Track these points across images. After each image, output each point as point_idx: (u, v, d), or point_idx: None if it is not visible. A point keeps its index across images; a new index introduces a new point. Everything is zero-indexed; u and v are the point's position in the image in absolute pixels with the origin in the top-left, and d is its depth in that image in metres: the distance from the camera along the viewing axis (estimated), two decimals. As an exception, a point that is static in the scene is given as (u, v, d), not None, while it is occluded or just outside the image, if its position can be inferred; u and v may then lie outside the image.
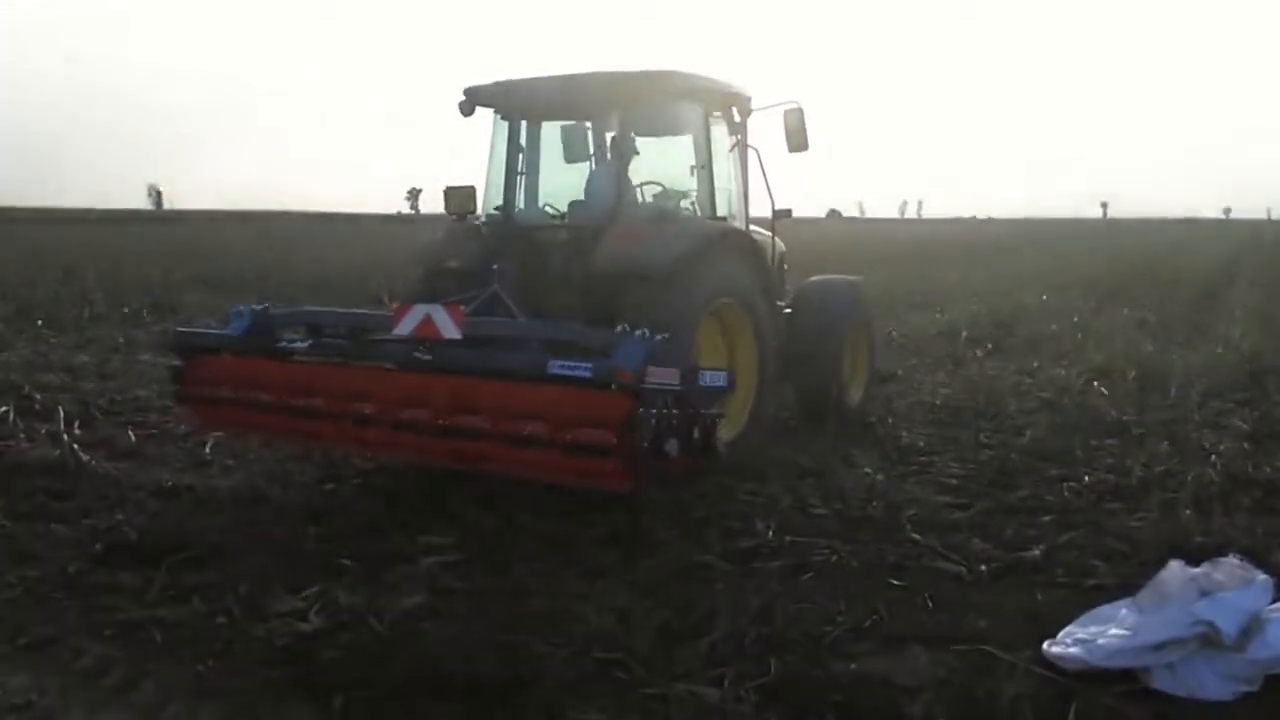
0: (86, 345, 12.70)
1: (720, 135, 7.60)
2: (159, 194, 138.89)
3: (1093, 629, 4.05)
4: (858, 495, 6.16)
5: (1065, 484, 6.42)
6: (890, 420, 8.46)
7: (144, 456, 7.20)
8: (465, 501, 6.12)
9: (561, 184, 7.67)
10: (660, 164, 7.52)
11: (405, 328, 5.83)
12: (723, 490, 6.26)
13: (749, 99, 7.64)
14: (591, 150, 7.82)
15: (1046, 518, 5.73)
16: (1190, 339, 13.60)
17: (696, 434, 5.10)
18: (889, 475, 6.70)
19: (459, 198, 7.38)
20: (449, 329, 5.70)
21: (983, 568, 4.95)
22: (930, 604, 4.57)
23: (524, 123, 7.52)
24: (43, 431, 7.68)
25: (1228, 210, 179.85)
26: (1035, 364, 11.46)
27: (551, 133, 7.78)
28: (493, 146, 7.53)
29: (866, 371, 8.75)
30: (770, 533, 5.47)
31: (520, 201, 7.54)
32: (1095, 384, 9.54)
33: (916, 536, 5.39)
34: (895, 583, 4.82)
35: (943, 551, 5.19)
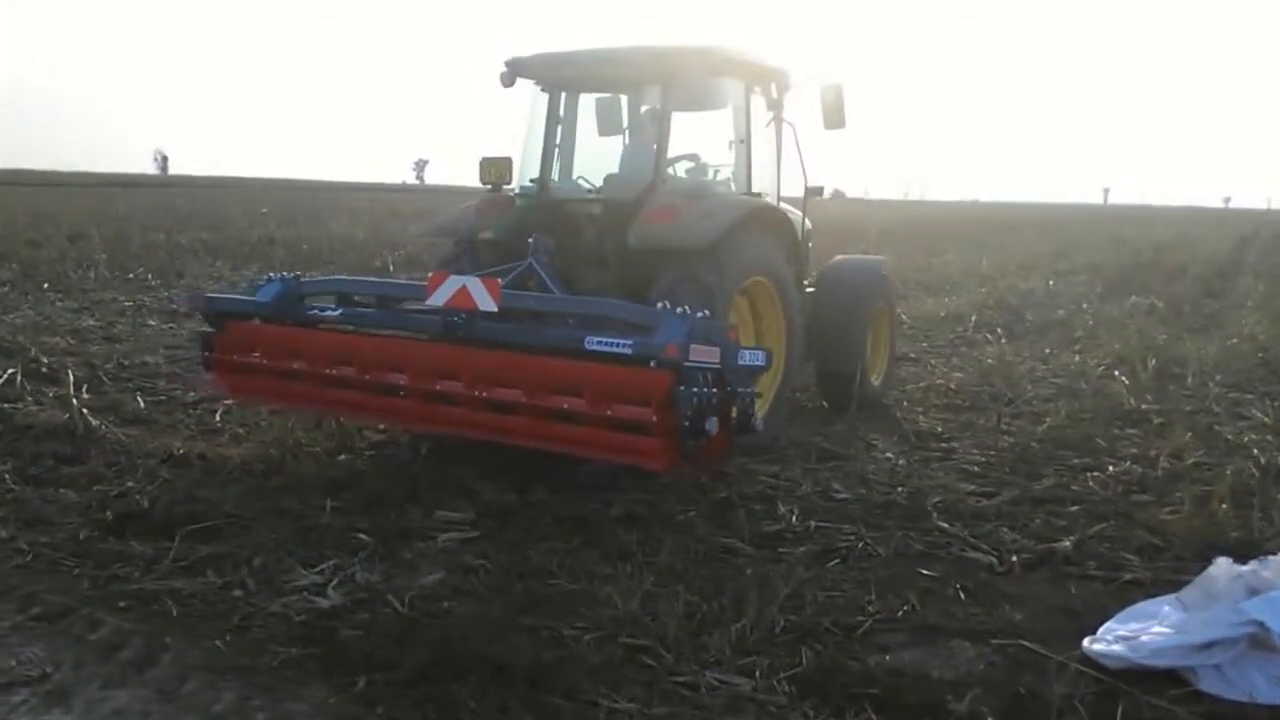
0: (92, 308, 12.56)
1: (758, 110, 7.51)
2: (164, 159, 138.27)
3: (1134, 626, 3.94)
4: (880, 481, 6.06)
5: (1090, 474, 6.32)
6: (905, 404, 8.36)
7: (153, 423, 7.09)
8: (479, 477, 6.02)
9: (598, 157, 7.60)
10: (698, 138, 7.44)
11: (440, 298, 5.73)
12: (744, 472, 6.15)
13: (788, 74, 7.58)
14: (629, 124, 7.74)
15: (1074, 508, 5.62)
16: (1202, 328, 13.47)
17: (734, 413, 5.06)
18: (909, 460, 6.60)
19: (495, 169, 7.25)
20: (485, 301, 5.62)
21: (1014, 558, 4.84)
22: (962, 595, 4.46)
23: (564, 95, 7.44)
24: (50, 395, 7.57)
25: (1228, 199, 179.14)
26: (1048, 350, 11.35)
27: (590, 106, 7.73)
28: (531, 118, 7.47)
29: (888, 353, 8.65)
30: (794, 517, 5.37)
31: (556, 174, 7.44)
32: (1116, 373, 9.39)
33: (944, 525, 5.28)
34: (925, 572, 4.71)
35: (972, 541, 5.09)
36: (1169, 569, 4.80)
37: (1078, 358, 10.68)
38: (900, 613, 4.26)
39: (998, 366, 9.97)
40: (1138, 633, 3.88)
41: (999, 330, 13.05)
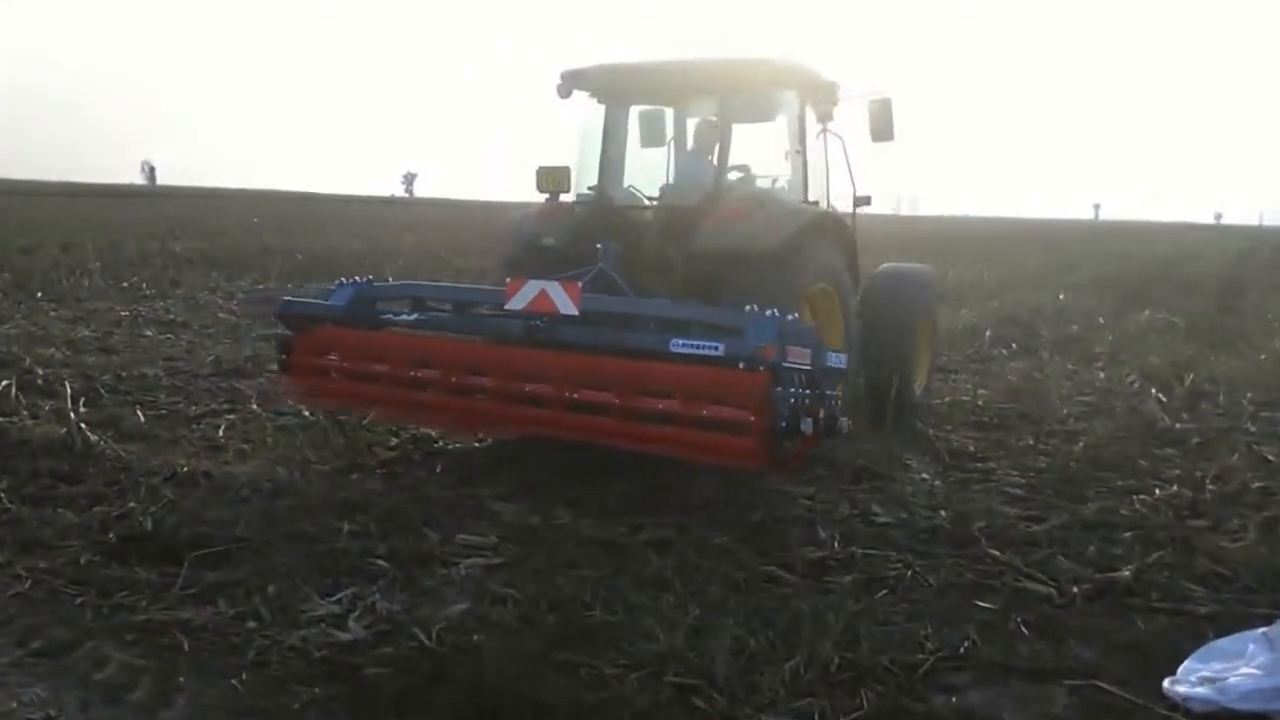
0: (87, 318, 12.23)
1: (811, 121, 7.62)
2: (152, 170, 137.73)
3: (1218, 666, 3.68)
4: (920, 504, 5.79)
5: (1136, 496, 6.05)
6: (934, 421, 8.09)
7: (154, 438, 6.78)
8: (497, 497, 5.78)
9: (654, 166, 7.77)
10: (752, 148, 7.50)
11: (520, 302, 5.82)
12: (777, 492, 5.88)
13: (838, 87, 7.67)
14: (678, 134, 7.84)
15: (1128, 534, 5.35)
16: (1224, 345, 13.24)
17: (822, 414, 5.14)
18: (946, 482, 6.34)
19: (553, 177, 7.37)
20: (566, 305, 5.71)
21: (1074, 590, 4.56)
22: (1025, 629, 4.19)
23: (620, 106, 7.57)
24: (46, 408, 7.26)
25: (1219, 215, 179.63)
26: (1071, 366, 11.12)
27: (646, 116, 7.87)
28: (586, 129, 7.57)
29: (930, 363, 8.54)
30: (836, 543, 5.09)
31: (614, 182, 7.55)
32: (1154, 391, 9.12)
33: (994, 552, 5.01)
34: (982, 605, 4.43)
35: (1026, 570, 4.81)
36: (1237, 600, 4.54)
37: (1103, 374, 10.45)
38: (962, 649, 3.99)
39: (1024, 384, 9.74)
40: (1223, 674, 3.62)
41: (1014, 345, 12.84)
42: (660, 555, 4.88)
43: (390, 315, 6.53)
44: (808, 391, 5.12)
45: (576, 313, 5.72)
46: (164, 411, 7.57)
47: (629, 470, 6.20)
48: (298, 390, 6.73)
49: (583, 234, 6.94)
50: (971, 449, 7.21)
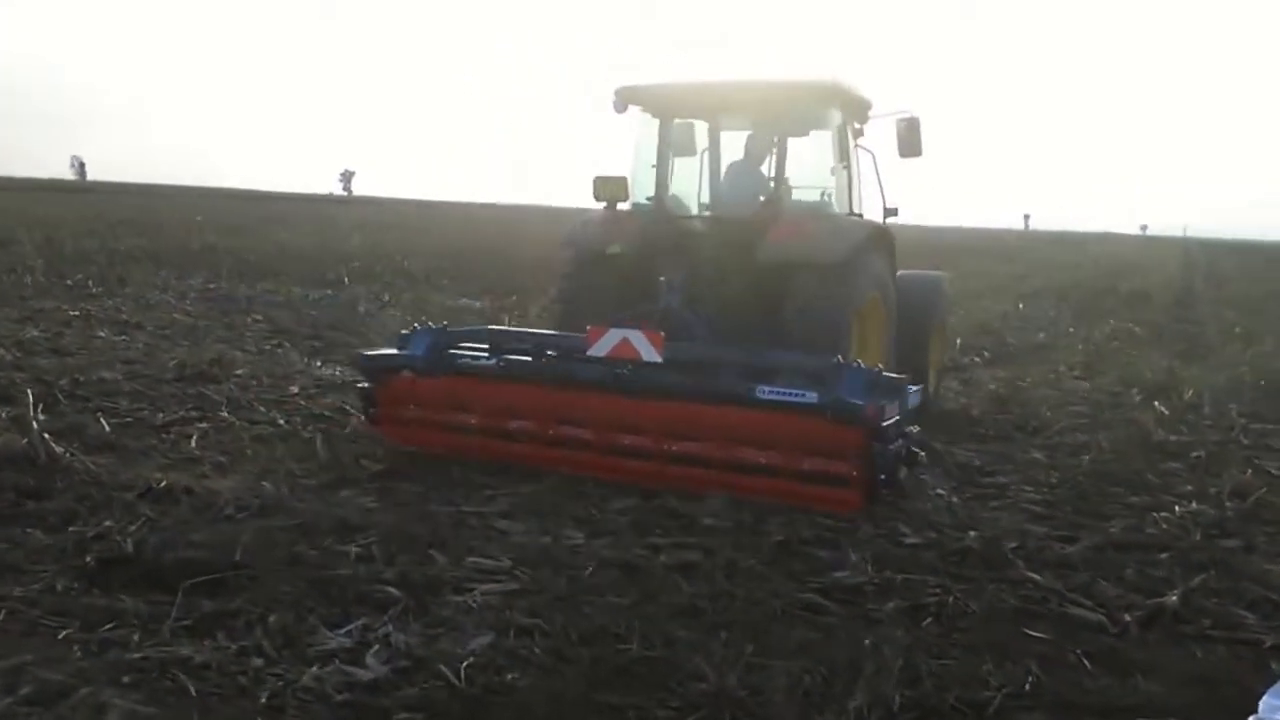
0: (35, 318, 11.64)
1: (852, 137, 7.99)
2: (82, 165, 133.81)
3: (1304, 703, 3.47)
4: (945, 522, 5.57)
5: (1157, 514, 5.90)
6: (929, 432, 7.88)
7: (122, 449, 6.34)
8: (501, 515, 5.47)
9: (708, 179, 8.11)
10: (797, 163, 7.69)
11: (601, 350, 6.00)
12: (792, 511, 5.61)
13: (871, 105, 8.07)
14: (742, 149, 8.03)
15: (1163, 555, 5.18)
16: (1191, 354, 13.31)
17: (911, 455, 5.67)
18: (963, 498, 6.13)
19: (611, 187, 7.55)
20: (649, 353, 5.90)
21: (1127, 618, 4.35)
22: (1086, 662, 3.97)
23: (676, 121, 7.89)
24: (3, 415, 6.77)
25: (1144, 226, 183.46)
26: (1053, 375, 11.04)
27: (700, 131, 8.17)
28: (641, 142, 7.87)
29: (941, 367, 8.84)
30: (869, 566, 4.83)
31: (670, 193, 7.87)
32: (1156, 404, 9.01)
33: (1034, 576, 4.79)
34: (1034, 634, 4.21)
35: (1070, 596, 4.60)
36: (1293, 628, 4.37)
37: (1087, 384, 10.36)
38: (1026, 685, 3.74)
39: (1009, 393, 9.62)
40: (1311, 712, 3.40)
41: (986, 353, 12.79)
42: (687, 580, 4.59)
43: (468, 360, 6.57)
44: (903, 442, 5.53)
45: (659, 360, 5.89)
46: (129, 419, 7.11)
47: (628, 486, 5.94)
48: (392, 440, 6.70)
49: (645, 243, 7.29)
50: (977, 463, 7.03)
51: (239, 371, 9.00)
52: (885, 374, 5.73)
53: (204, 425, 7.03)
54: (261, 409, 7.61)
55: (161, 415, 7.22)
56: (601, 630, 4.05)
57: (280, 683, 3.57)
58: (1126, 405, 9.36)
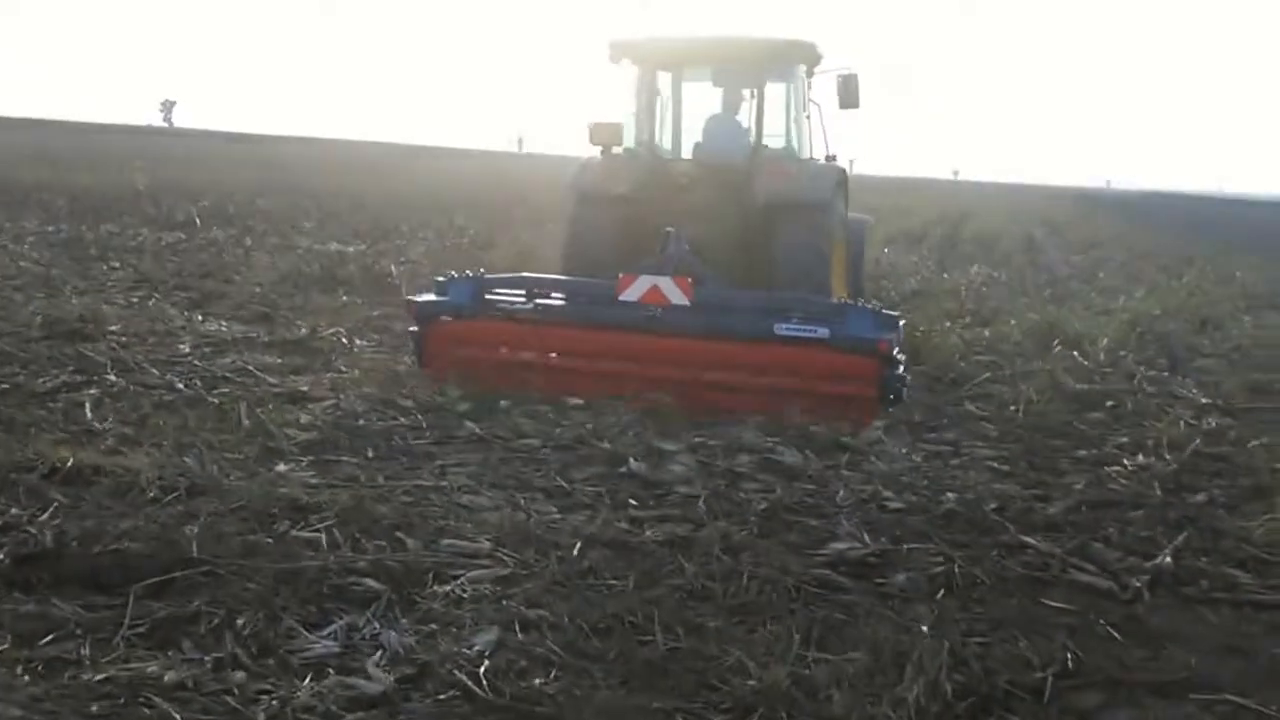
0: None
1: (808, 90, 8.91)
2: None
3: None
4: (919, 484, 5.42)
5: (1108, 468, 5.93)
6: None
7: (9, 422, 5.60)
8: (460, 489, 5.03)
9: (693, 128, 8.95)
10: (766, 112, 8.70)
11: (634, 294, 6.75)
12: (761, 473, 5.42)
13: (822, 59, 8.83)
14: (722, 100, 8.94)
15: (1136, 513, 5.16)
16: (1060, 300, 13.61)
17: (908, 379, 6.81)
18: (921, 457, 6.01)
19: (605, 133, 8.27)
20: (678, 297, 6.68)
21: (1137, 583, 4.28)
22: (1115, 634, 3.86)
23: (664, 73, 8.77)
24: None
25: (956, 171, 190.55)
26: (948, 324, 11.07)
27: (688, 82, 9.05)
28: (635, 92, 8.64)
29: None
30: (864, 534, 4.64)
31: (659, 140, 8.79)
32: (1055, 351, 9.15)
33: (1028, 540, 4.69)
34: (1051, 604, 4.10)
35: (1072, 561, 4.50)
36: (1290, 586, 4.39)
37: (987, 332, 10.45)
38: (1069, 663, 3.60)
39: (911, 342, 9.57)
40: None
41: (875, 302, 12.79)
42: (685, 557, 4.29)
43: (505, 304, 7.09)
44: (900, 369, 6.59)
45: (688, 303, 6.65)
46: (4, 385, 6.31)
47: (587, 450, 5.64)
48: (442, 377, 6.88)
49: (642, 185, 8.09)
50: (918, 418, 6.92)
51: (113, 328, 8.17)
52: (884, 311, 6.83)
53: (94, 392, 6.31)
54: (154, 371, 6.89)
55: (42, 380, 6.45)
56: (614, 620, 3.71)
57: (274, 701, 3.12)
58: (1028, 354, 9.42)
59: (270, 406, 6.11)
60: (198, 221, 16.90)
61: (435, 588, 3.94)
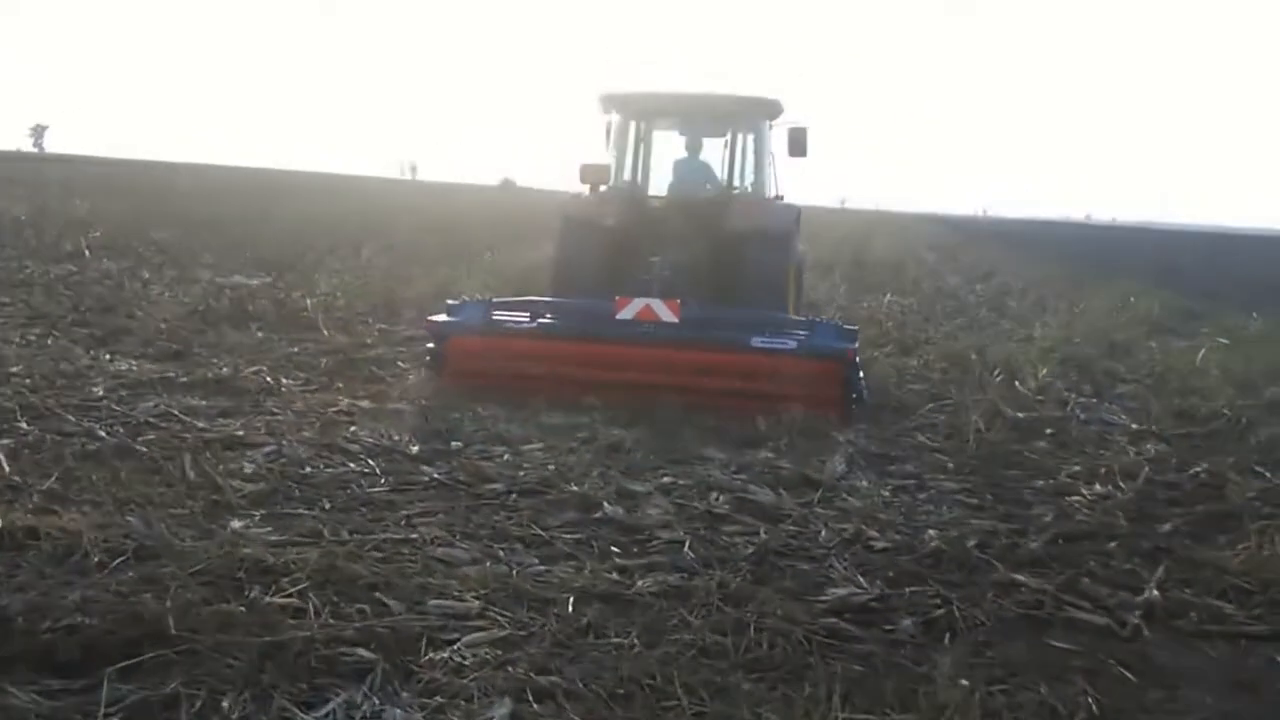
0: None
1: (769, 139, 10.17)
2: None
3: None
4: (896, 520, 5.36)
5: (1069, 499, 5.98)
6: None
7: (-85, 477, 5.10)
8: (433, 540, 4.75)
9: (670, 169, 10.26)
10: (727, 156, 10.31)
11: (629, 313, 7.76)
12: (736, 512, 5.33)
13: (782, 113, 10.01)
14: (698, 146, 10.31)
15: (1112, 544, 5.18)
16: (972, 328, 13.84)
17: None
18: (889, 490, 5.97)
19: (594, 173, 9.70)
20: (667, 315, 7.72)
21: (1135, 619, 4.27)
22: (1130, 675, 3.82)
23: (648, 123, 10.10)
24: None
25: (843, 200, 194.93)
26: (876, 353, 11.14)
27: (666, 132, 10.39)
28: (619, 138, 9.94)
29: None
30: (859, 576, 4.53)
31: (641, 180, 10.08)
32: (988, 379, 9.24)
33: (1017, 577, 4.64)
34: (1058, 645, 4.05)
35: (1065, 598, 4.47)
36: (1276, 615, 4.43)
37: (914, 361, 10.54)
38: (1094, 708, 3.53)
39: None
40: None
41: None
42: (684, 608, 4.12)
43: (510, 324, 8.12)
44: (860, 373, 7.82)
45: (677, 320, 7.69)
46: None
47: (556, 494, 5.45)
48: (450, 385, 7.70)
49: (625, 217, 9.36)
50: (875, 450, 6.90)
51: (14, 369, 7.62)
52: (844, 325, 8.27)
53: (7, 442, 5.82)
54: (70, 418, 6.40)
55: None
56: (631, 683, 3.51)
57: (285, 799, 2.83)
58: (959, 382, 9.50)
59: (208, 455, 5.72)
60: (88, 253, 16.04)
61: (431, 654, 3.68)
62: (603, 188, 9.65)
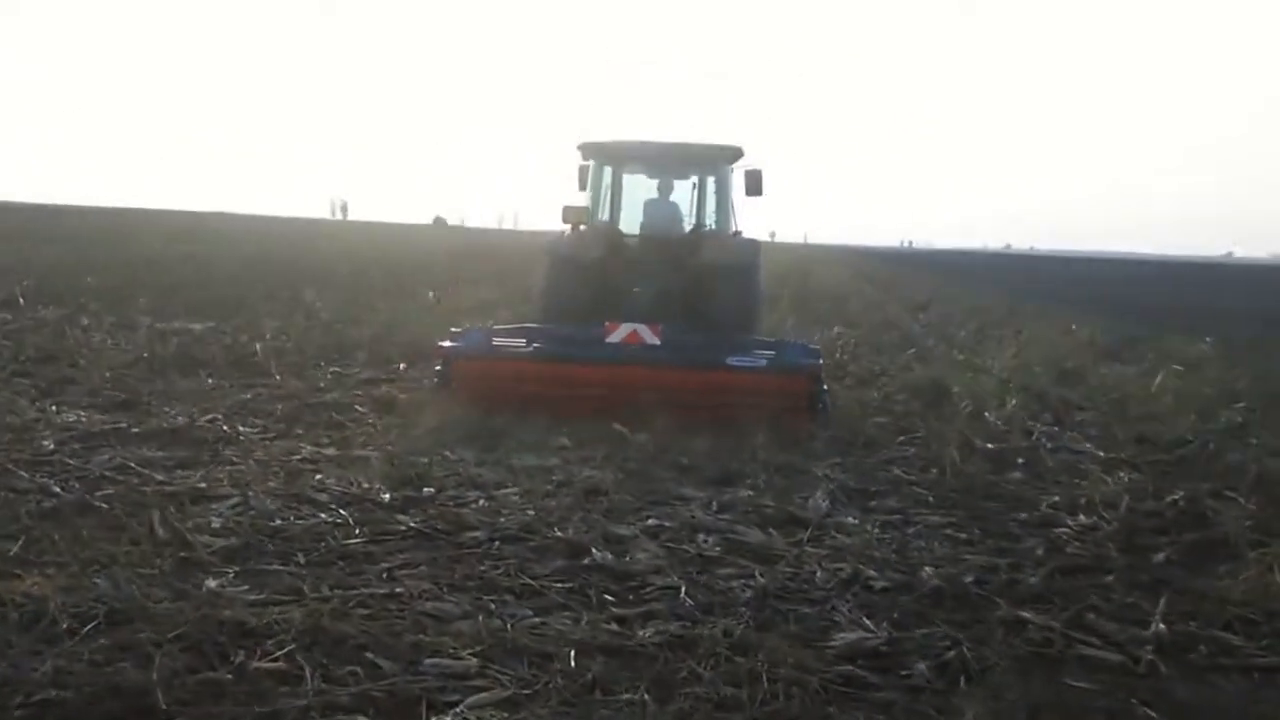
0: None
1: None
2: None
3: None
4: (889, 558, 5.26)
5: (1052, 530, 5.96)
6: (770, 451, 7.61)
7: None
8: (422, 595, 4.54)
9: (644, 209, 11.22)
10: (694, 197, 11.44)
11: (617, 337, 8.88)
12: (733, 550, 5.20)
13: (742, 157, 10.98)
14: (669, 189, 11.29)
15: (1108, 578, 5.14)
16: (923, 359, 13.90)
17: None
18: (876, 526, 5.87)
19: (575, 213, 10.80)
20: (651, 338, 8.84)
21: (1149, 655, 4.20)
22: (1152, 713, 3.74)
23: (625, 169, 11.14)
24: None
25: (772, 233, 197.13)
26: (837, 387, 11.12)
27: (639, 176, 11.36)
28: (598, 182, 11.04)
29: None
30: (865, 619, 4.42)
31: (618, 219, 11.02)
32: (986, 415, 9.21)
33: (1022, 614, 4.56)
34: (1077, 685, 3.96)
35: (1075, 635, 4.40)
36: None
37: (875, 393, 10.53)
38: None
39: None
40: None
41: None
42: (692, 659, 3.96)
43: (508, 349, 9.12)
44: (825, 386, 8.80)
45: (659, 343, 8.79)
46: None
47: (539, 540, 5.29)
48: (460, 397, 8.33)
49: (604, 253, 10.37)
50: (853, 484, 6.82)
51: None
52: (809, 345, 9.90)
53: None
54: (22, 473, 6.09)
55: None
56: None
57: None
58: (924, 414, 9.46)
59: (172, 509, 5.45)
60: (22, 300, 15.48)
61: (434, 718, 3.48)
62: (582, 226, 10.72)
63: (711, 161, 11.02)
